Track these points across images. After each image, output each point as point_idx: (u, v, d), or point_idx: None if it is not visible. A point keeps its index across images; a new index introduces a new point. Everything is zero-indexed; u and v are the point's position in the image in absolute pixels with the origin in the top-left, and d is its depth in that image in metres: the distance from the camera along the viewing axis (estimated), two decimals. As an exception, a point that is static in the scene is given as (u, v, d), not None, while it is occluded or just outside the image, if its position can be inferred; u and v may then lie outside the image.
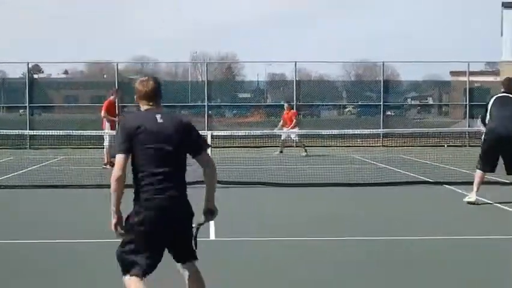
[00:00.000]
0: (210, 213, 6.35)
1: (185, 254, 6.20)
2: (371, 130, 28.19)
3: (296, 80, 34.53)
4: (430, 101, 46.52)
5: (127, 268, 5.97)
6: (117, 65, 34.98)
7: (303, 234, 11.11)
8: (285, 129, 26.97)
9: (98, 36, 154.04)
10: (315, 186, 16.82)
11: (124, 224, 5.99)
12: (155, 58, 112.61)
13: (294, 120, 27.21)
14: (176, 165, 6.05)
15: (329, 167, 20.77)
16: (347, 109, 43.68)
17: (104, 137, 21.17)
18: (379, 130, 31.35)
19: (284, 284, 8.24)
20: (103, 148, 21.43)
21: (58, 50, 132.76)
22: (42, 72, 61.34)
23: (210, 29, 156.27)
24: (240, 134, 27.01)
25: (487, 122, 13.74)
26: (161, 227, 5.94)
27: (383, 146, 31.60)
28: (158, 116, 6.05)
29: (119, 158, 5.93)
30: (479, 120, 14.39)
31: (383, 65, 35.64)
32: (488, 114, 13.68)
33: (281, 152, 27.04)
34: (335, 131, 26.30)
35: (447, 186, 16.41)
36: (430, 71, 62.36)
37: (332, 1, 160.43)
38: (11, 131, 24.00)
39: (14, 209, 14.08)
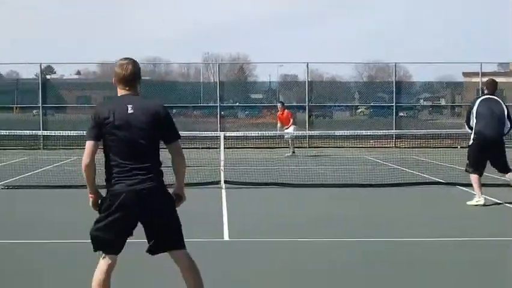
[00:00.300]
0: (178, 198, 6.31)
1: (169, 242, 6.16)
2: (384, 131, 28.18)
3: (308, 81, 34.54)
4: (443, 102, 46.34)
5: (97, 246, 6.12)
6: (129, 65, 34.99)
7: (316, 234, 11.14)
8: (286, 130, 26.95)
9: (110, 37, 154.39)
10: (327, 187, 16.84)
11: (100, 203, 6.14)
12: (167, 59, 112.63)
13: (292, 120, 27.25)
14: (146, 155, 6.02)
15: (341, 168, 20.78)
16: (360, 110, 43.59)
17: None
18: (392, 131, 31.35)
19: (297, 284, 8.26)
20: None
21: (70, 51, 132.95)
22: (55, 73, 61.52)
23: (220, 29, 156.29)
24: (252, 134, 27.04)
25: (472, 125, 13.82)
26: (128, 216, 5.98)
27: (396, 147, 31.57)
28: (130, 106, 6.00)
29: (88, 144, 6.02)
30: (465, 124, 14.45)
31: (395, 66, 35.57)
32: (474, 117, 13.77)
33: (293, 152, 27.03)
34: (348, 132, 26.31)
35: (460, 187, 16.36)
36: (442, 72, 62.21)
37: (344, 0, 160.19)
38: (25, 131, 24.08)
39: (27, 209, 14.12)
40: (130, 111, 5.97)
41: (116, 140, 5.96)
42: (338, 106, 40.30)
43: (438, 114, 43.38)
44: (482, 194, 13.79)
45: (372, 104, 39.39)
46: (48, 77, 43.89)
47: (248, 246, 10.37)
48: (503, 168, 13.94)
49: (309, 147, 31.54)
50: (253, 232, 11.36)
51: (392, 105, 34.48)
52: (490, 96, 13.89)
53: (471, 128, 13.89)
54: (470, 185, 14.55)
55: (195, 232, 11.30)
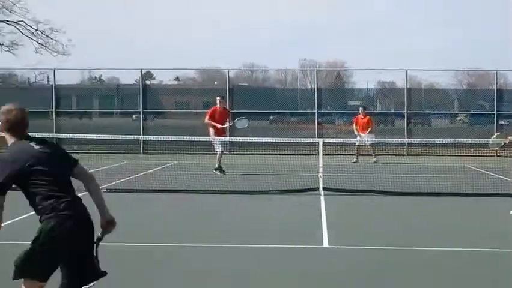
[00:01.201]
0: (110, 224, 6.24)
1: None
2: (487, 139, 27.55)
3: (407, 88, 34.12)
4: (546, 110, 45.13)
5: (25, 272, 5.76)
6: (228, 72, 35.28)
7: (416, 243, 11.01)
8: (362, 135, 26.81)
9: (207, 43, 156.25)
10: (426, 196, 16.59)
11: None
12: (265, 65, 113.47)
13: (370, 128, 27.29)
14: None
15: (440, 176, 20.48)
16: (459, 118, 42.81)
17: (214, 143, 21.56)
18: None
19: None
20: (215, 154, 21.75)
21: (169, 57, 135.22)
22: (154, 78, 62.60)
23: (317, 35, 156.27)
24: (350, 141, 26.92)
25: None
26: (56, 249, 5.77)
27: (498, 155, 30.86)
28: (36, 145, 5.81)
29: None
30: None
31: (496, 73, 34.87)
32: None
33: (356, 161, 26.76)
34: (449, 140, 25.85)
35: None
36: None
37: (443, 7, 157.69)
38: (127, 136, 24.45)
39: (125, 212, 14.29)
40: (36, 147, 5.81)
41: (40, 175, 5.75)
42: (437, 114, 39.66)
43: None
44: None
45: (472, 112, 38.61)
46: (147, 82, 44.65)
47: (347, 253, 10.32)
48: None
49: (408, 154, 31.17)
50: (352, 239, 11.29)
51: (493, 113, 33.74)
52: None
53: None
54: None
55: (295, 238, 11.34)
